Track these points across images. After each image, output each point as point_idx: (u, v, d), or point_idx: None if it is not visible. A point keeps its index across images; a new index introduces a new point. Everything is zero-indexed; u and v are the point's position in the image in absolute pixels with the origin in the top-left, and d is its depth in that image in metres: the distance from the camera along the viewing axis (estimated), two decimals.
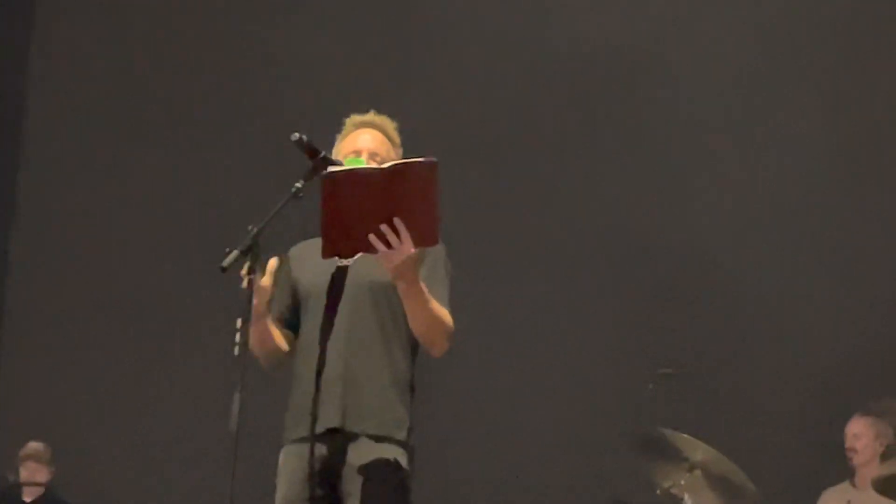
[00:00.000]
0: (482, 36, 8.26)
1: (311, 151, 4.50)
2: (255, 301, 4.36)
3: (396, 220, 4.28)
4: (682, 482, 6.84)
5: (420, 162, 4.30)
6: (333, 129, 4.93)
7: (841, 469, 7.41)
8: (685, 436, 6.84)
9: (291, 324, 4.79)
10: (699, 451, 6.83)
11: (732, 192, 8.22)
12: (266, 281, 4.48)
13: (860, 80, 8.12)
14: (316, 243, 4.47)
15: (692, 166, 8.23)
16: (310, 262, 4.74)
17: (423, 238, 4.33)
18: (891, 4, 8.17)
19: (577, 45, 8.07)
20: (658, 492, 6.95)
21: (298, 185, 4.43)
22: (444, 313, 4.58)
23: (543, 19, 8.24)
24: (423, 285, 4.47)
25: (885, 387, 7.44)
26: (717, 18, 8.18)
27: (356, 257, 4.66)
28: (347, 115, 4.91)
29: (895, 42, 8.11)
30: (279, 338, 4.73)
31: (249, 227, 4.38)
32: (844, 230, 8.07)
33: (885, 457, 7.15)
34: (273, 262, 4.48)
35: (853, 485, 7.36)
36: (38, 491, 7.93)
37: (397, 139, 4.88)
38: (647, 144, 8.30)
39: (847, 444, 7.31)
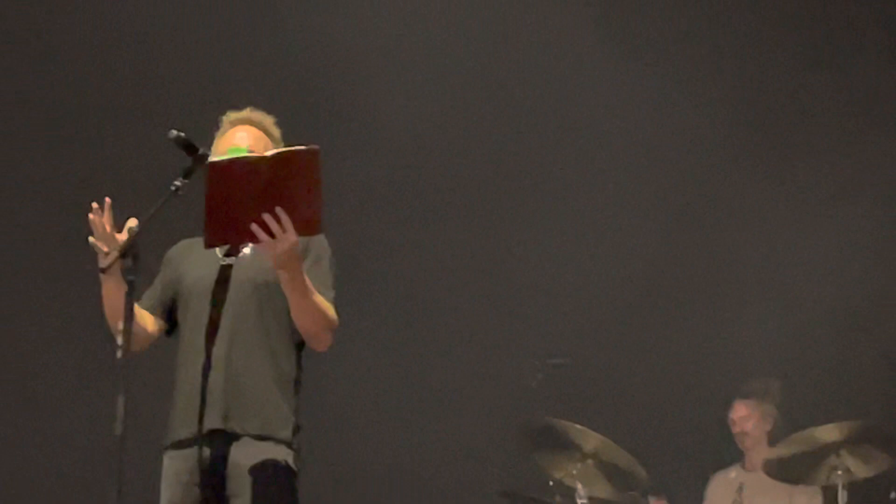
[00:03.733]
0: None
1: (190, 148, 4.44)
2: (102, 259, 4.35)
3: (278, 209, 4.22)
4: (575, 472, 6.87)
5: (302, 150, 4.26)
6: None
7: (729, 453, 7.48)
8: (577, 425, 6.86)
9: (168, 319, 4.75)
10: (590, 440, 6.85)
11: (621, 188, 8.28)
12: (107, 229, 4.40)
13: None
14: (198, 242, 4.43)
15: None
16: (193, 261, 4.70)
17: (306, 227, 4.29)
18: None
19: None
20: (551, 482, 6.97)
21: (177, 182, 4.37)
22: (328, 306, 4.54)
23: None
24: (306, 277, 4.42)
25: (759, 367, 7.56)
26: None
27: (240, 255, 4.62)
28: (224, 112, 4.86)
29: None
30: (140, 315, 4.62)
31: (129, 227, 4.34)
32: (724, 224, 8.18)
33: (772, 438, 7.24)
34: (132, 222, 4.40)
35: (743, 467, 7.44)
36: None
37: (277, 133, 4.82)
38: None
39: (736, 429, 7.40)
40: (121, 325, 4.18)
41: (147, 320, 4.69)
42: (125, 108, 7.96)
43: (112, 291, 4.47)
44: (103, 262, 4.35)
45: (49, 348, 7.86)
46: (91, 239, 4.42)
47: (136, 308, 4.56)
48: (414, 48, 8.08)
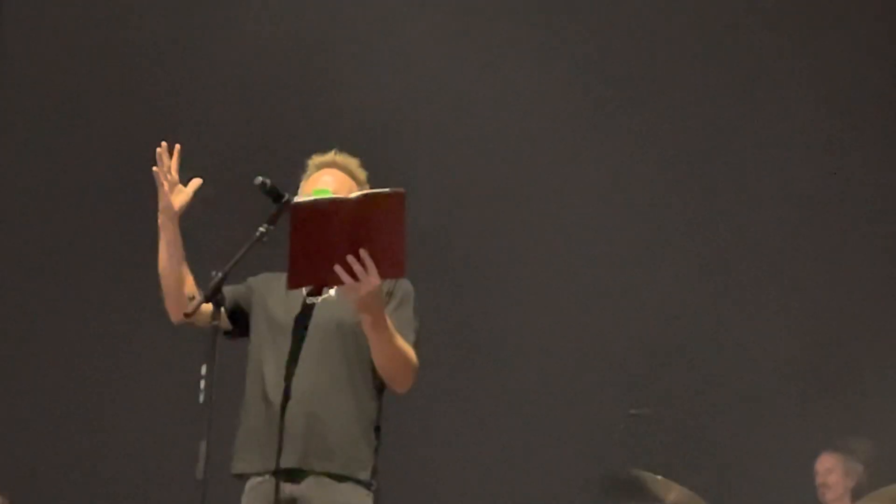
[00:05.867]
0: None
1: (275, 194, 4.47)
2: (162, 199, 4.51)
3: (362, 251, 4.22)
4: None
5: (387, 192, 4.26)
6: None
7: None
8: (658, 476, 6.81)
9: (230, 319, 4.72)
10: (672, 491, 6.81)
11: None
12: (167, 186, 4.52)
13: None
14: (281, 277, 4.45)
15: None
16: (277, 297, 4.69)
17: (390, 269, 4.28)
18: None
19: None
20: None
21: (262, 228, 4.43)
22: (409, 349, 4.54)
23: None
24: (388, 320, 4.43)
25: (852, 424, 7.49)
26: None
27: (324, 296, 4.65)
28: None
29: None
30: (190, 284, 4.63)
31: (213, 273, 4.36)
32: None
33: (855, 494, 7.17)
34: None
35: None
36: None
37: (362, 176, 4.83)
38: None
39: (819, 480, 7.34)
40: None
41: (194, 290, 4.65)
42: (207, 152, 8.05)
43: (169, 246, 4.58)
44: (188, 308, 4.38)
45: (134, 390, 7.95)
46: (155, 169, 4.53)
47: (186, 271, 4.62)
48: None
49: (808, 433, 7.56)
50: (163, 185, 4.54)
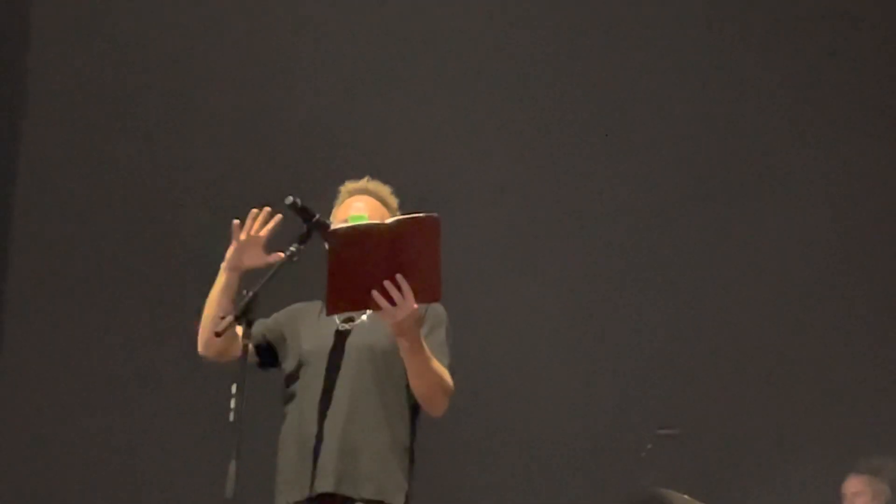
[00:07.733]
0: None
1: (306, 214, 4.49)
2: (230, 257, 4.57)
3: (399, 276, 4.25)
4: None
5: (423, 217, 4.27)
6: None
7: None
8: (684, 496, 6.81)
9: (259, 354, 4.75)
10: None
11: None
12: (243, 235, 4.58)
13: None
14: (312, 307, 4.47)
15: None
16: (308, 326, 4.72)
17: (426, 294, 4.30)
18: None
19: None
20: None
21: (293, 248, 4.43)
22: (445, 373, 4.54)
23: None
24: (424, 343, 4.44)
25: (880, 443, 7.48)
26: None
27: (357, 322, 4.66)
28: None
29: None
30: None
31: (244, 292, 4.39)
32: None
33: None
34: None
35: None
36: None
37: (394, 204, 4.85)
38: None
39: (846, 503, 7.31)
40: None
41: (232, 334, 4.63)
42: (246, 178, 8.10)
43: (222, 295, 4.65)
44: (219, 327, 4.40)
45: (163, 407, 7.98)
46: (236, 222, 4.59)
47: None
48: None
49: (836, 455, 7.55)
50: (237, 240, 4.60)
